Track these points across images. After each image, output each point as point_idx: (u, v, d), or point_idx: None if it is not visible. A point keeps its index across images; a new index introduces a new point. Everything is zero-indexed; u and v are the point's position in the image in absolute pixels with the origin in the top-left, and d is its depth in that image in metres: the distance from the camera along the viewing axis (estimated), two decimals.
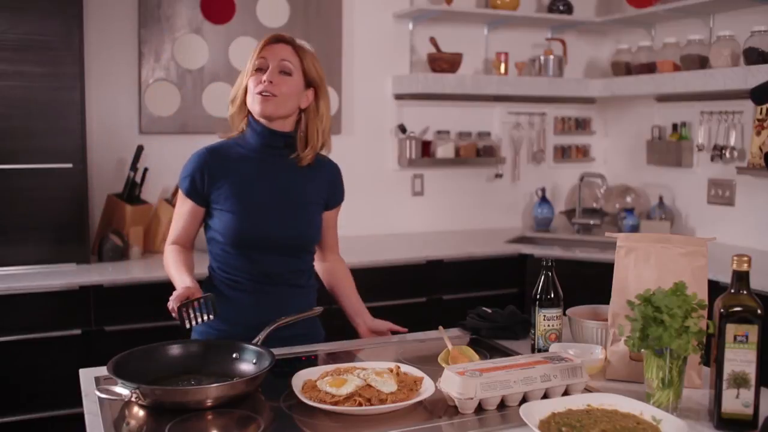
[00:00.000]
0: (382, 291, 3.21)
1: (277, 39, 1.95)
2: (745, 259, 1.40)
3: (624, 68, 4.05)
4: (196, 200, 1.96)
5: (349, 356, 1.86)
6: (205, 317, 1.73)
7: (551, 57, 4.10)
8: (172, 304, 1.72)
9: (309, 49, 1.99)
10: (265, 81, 1.89)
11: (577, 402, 1.41)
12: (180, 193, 1.98)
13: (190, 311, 1.71)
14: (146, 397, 1.43)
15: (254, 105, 1.91)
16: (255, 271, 1.94)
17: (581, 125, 4.47)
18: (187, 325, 1.71)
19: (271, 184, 1.95)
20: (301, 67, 1.94)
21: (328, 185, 2.05)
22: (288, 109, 1.93)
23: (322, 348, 1.91)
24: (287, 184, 1.97)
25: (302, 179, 1.99)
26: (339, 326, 2.13)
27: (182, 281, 1.85)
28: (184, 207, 1.98)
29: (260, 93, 1.89)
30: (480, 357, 1.76)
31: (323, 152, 2.05)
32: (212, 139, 2.06)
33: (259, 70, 1.92)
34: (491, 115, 4.25)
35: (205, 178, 1.93)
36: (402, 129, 3.97)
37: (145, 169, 3.39)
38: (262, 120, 1.94)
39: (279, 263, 1.95)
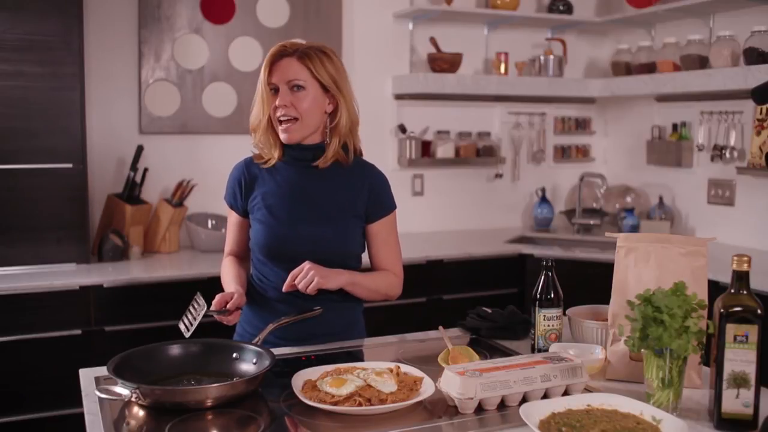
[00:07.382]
0: None
1: (280, 55, 1.87)
2: (745, 259, 1.40)
3: (624, 68, 4.05)
4: (238, 211, 2.00)
5: (349, 356, 1.86)
6: (193, 312, 1.73)
7: (551, 57, 4.10)
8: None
9: (316, 51, 1.87)
10: (280, 106, 1.85)
11: (577, 402, 1.41)
12: (227, 206, 2.03)
13: (186, 316, 1.74)
14: (146, 397, 1.43)
15: (281, 133, 1.89)
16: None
17: (581, 125, 4.47)
18: (182, 327, 1.73)
19: (302, 196, 1.92)
20: (311, 75, 1.86)
21: (368, 195, 1.95)
22: (314, 124, 1.89)
23: (322, 348, 1.91)
24: (319, 196, 1.92)
25: (337, 190, 1.93)
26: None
27: (228, 289, 1.90)
28: (231, 218, 2.04)
29: (280, 119, 1.87)
30: (480, 357, 1.76)
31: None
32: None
33: (274, 91, 1.87)
34: (491, 115, 4.25)
35: (243, 189, 1.96)
36: (402, 129, 3.97)
37: (145, 169, 3.39)
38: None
39: None
